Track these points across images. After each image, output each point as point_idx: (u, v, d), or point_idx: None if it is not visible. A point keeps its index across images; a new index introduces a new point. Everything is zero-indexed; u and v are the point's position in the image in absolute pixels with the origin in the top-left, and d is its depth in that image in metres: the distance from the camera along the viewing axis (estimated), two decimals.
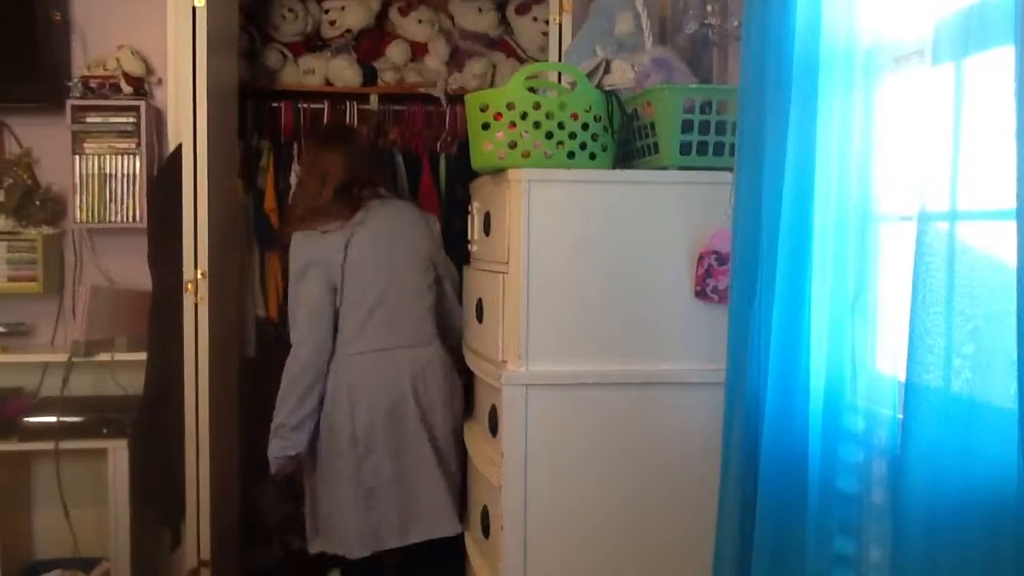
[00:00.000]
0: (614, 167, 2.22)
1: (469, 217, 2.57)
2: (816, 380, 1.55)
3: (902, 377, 1.35)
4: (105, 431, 2.96)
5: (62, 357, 3.05)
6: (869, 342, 1.50)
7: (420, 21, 3.77)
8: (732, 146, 2.05)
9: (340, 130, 3.18)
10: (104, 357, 3.06)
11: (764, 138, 1.68)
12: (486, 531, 2.26)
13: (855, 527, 1.50)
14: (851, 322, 1.52)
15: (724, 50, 2.46)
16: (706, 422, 2.02)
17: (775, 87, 1.65)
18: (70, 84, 3.15)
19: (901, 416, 1.36)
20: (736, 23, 2.28)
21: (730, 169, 1.91)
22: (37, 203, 3.16)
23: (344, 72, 3.68)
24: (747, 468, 1.70)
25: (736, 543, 1.73)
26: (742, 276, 1.77)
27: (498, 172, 2.19)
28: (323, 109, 3.71)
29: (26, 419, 2.95)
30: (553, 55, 3.12)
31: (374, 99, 3.75)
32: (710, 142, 2.10)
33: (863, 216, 1.51)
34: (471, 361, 2.47)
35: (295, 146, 3.65)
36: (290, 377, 2.65)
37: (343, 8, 3.72)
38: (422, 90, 3.71)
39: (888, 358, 1.48)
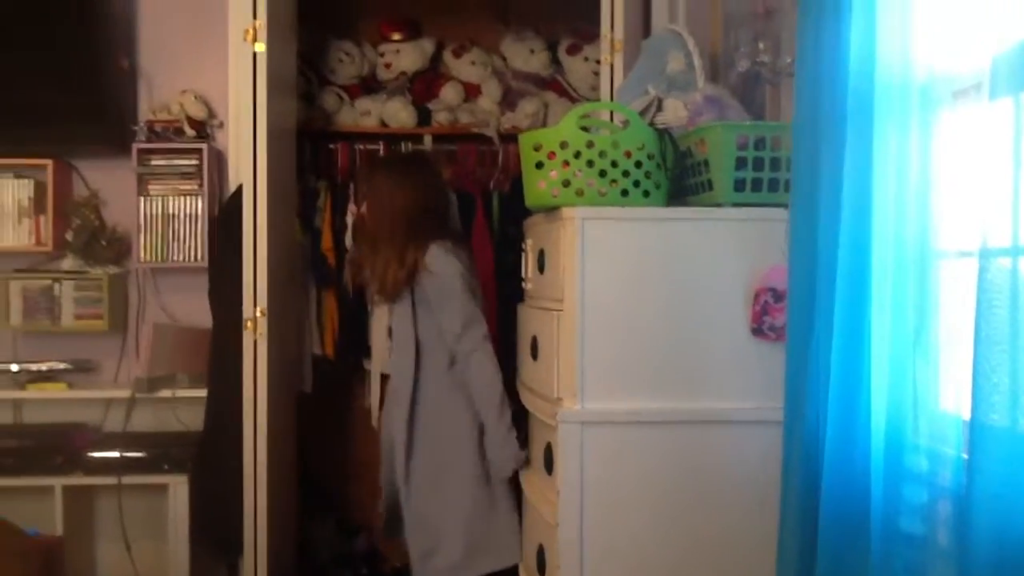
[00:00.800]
0: (668, 205, 2.23)
1: (523, 255, 2.58)
2: (877, 419, 1.52)
3: (966, 416, 1.33)
4: (166, 467, 3.02)
5: (125, 393, 3.12)
6: (931, 380, 1.47)
7: (473, 63, 3.84)
8: (787, 182, 2.04)
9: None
10: (166, 393, 3.13)
11: (819, 174, 1.67)
12: (541, 569, 2.25)
13: (920, 569, 1.47)
14: (912, 360, 1.49)
15: (776, 87, 2.45)
16: (764, 461, 1.99)
17: (829, 122, 1.65)
18: (136, 128, 3.26)
19: (966, 456, 1.33)
20: (788, 60, 2.28)
21: (785, 205, 1.90)
22: (103, 243, 3.25)
23: (399, 113, 3.75)
24: (806, 508, 1.67)
25: None
26: (799, 313, 1.76)
27: (552, 210, 2.21)
28: (379, 150, 3.78)
29: (90, 454, 3.01)
30: (604, 94, 3.15)
31: (428, 140, 3.81)
32: (764, 179, 2.09)
33: (923, 252, 1.49)
34: (525, 399, 2.47)
35: (351, 187, 3.73)
36: (499, 380, 2.63)
37: (398, 51, 3.81)
38: (475, 130, 3.77)
39: (951, 397, 1.46)
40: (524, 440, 2.61)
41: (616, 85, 3.03)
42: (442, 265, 2.64)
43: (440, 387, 2.69)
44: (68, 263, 3.24)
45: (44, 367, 3.22)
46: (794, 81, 1.86)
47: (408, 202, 2.74)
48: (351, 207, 3.67)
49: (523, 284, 2.59)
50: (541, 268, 2.34)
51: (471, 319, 2.63)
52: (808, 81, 1.74)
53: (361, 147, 3.80)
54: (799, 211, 1.77)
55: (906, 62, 1.52)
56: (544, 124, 3.72)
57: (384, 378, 3.87)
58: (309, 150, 3.75)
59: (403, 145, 3.79)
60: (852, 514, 1.54)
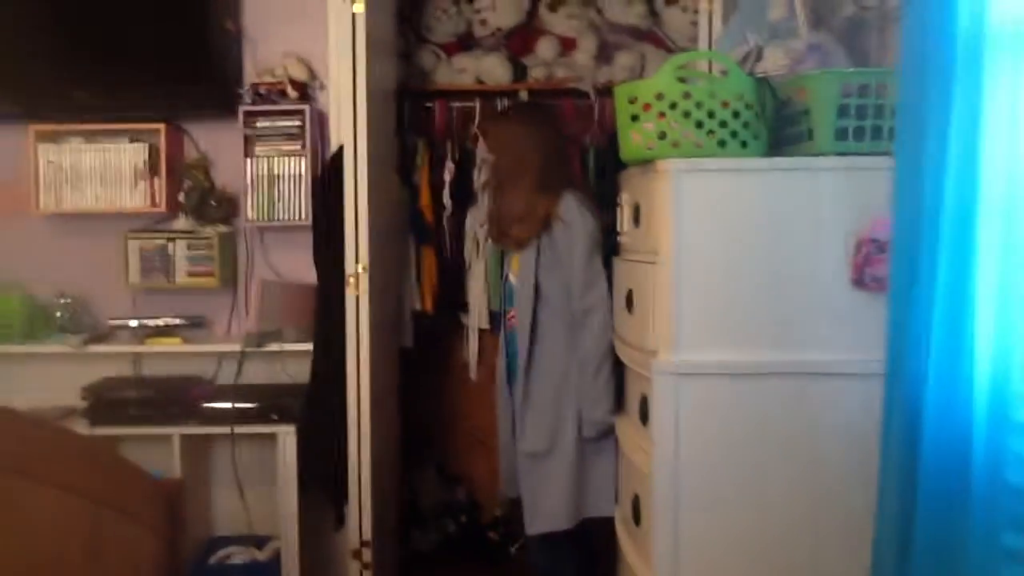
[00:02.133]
0: (767, 155, 2.19)
1: (618, 209, 2.58)
2: (981, 369, 1.49)
3: None
4: (275, 417, 3.14)
5: (236, 347, 3.25)
6: None
7: (569, 16, 3.82)
8: (891, 130, 1.99)
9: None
10: (274, 347, 3.25)
11: (926, 120, 1.62)
12: (637, 519, 2.28)
13: None
14: (1021, 309, 1.45)
15: (883, 32, 2.37)
16: (864, 414, 1.97)
17: (937, 66, 1.59)
18: (241, 91, 3.35)
19: None
20: (896, 3, 2.20)
21: (889, 154, 1.85)
22: (213, 204, 3.37)
23: (495, 70, 3.76)
24: (907, 461, 1.65)
25: (896, 538, 1.68)
26: (902, 263, 1.72)
27: (647, 163, 2.20)
28: (475, 107, 3.81)
29: (205, 404, 3.16)
30: (703, 44, 3.09)
31: (524, 95, 3.82)
32: (867, 127, 2.04)
33: None
34: (621, 351, 2.49)
35: (448, 144, 3.77)
36: (606, 344, 2.63)
37: (494, 7, 3.80)
38: (571, 85, 3.75)
39: None
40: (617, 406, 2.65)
41: (715, 35, 2.97)
42: (576, 216, 2.66)
43: (556, 339, 2.73)
44: (181, 223, 3.38)
45: (161, 322, 3.38)
46: (901, 25, 1.80)
47: (538, 150, 2.77)
48: (448, 164, 3.72)
49: (618, 238, 2.59)
50: (637, 221, 2.33)
51: (595, 276, 2.65)
52: (915, 24, 1.68)
53: (458, 105, 3.84)
54: (904, 159, 1.72)
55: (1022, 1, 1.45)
56: (641, 77, 3.68)
57: (482, 332, 3.94)
58: (408, 108, 3.80)
59: (499, 101, 3.81)
60: (954, 465, 1.51)
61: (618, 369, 2.63)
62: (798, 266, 2.06)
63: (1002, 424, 1.44)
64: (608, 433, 2.67)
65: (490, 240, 2.94)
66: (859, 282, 2.01)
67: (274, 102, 3.34)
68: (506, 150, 2.83)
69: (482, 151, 3.77)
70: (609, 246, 2.71)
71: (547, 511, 2.73)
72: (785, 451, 2.06)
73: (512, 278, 2.84)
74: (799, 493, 2.06)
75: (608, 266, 2.70)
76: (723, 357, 2.06)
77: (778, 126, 2.25)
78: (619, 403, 2.66)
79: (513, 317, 2.81)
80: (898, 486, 1.68)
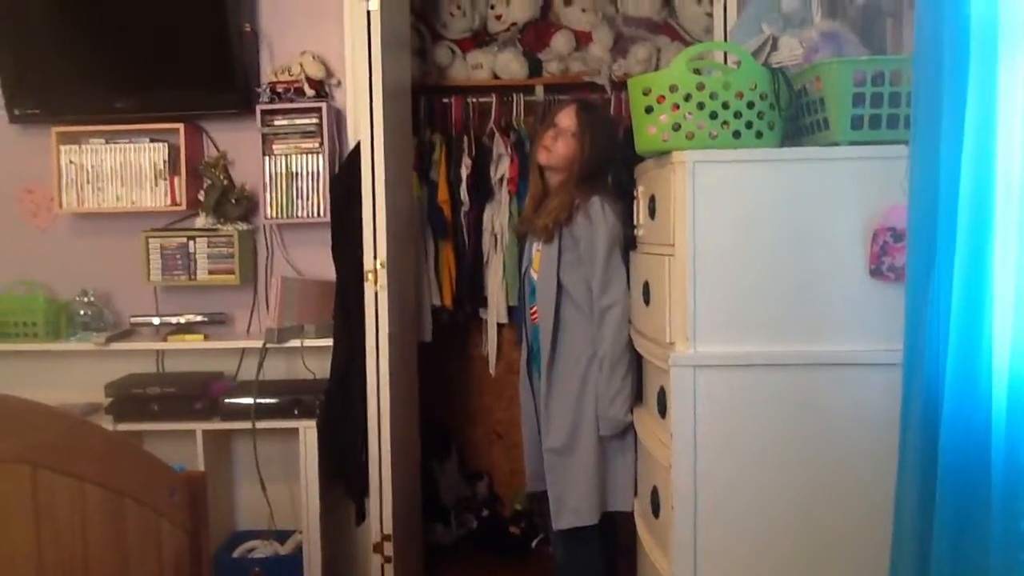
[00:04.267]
0: (783, 145, 2.18)
1: (634, 202, 2.58)
2: (1000, 356, 1.48)
3: None
4: (296, 412, 3.17)
5: (257, 343, 3.28)
6: None
7: (584, 10, 3.83)
8: (907, 118, 1.98)
9: None
10: (294, 343, 3.28)
11: (941, 107, 1.62)
12: (656, 511, 2.28)
13: None
14: None
15: (898, 18, 2.36)
16: (882, 404, 1.96)
17: (952, 54, 1.59)
18: (259, 90, 3.38)
19: None
20: None
21: (906, 142, 1.84)
22: (232, 202, 3.40)
23: (510, 65, 3.77)
24: (927, 449, 1.65)
25: (916, 525, 1.67)
26: (919, 252, 1.71)
27: (662, 155, 2.20)
28: (491, 103, 3.82)
29: (227, 400, 3.19)
30: (719, 36, 3.09)
31: (540, 90, 3.83)
32: (883, 115, 2.03)
33: None
34: (639, 344, 2.49)
35: (465, 139, 3.78)
36: (623, 342, 2.64)
37: (509, 3, 3.82)
38: (587, 79, 3.75)
39: None
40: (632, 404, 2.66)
41: (730, 26, 2.96)
42: (599, 214, 2.68)
43: (578, 335, 2.74)
44: (201, 221, 3.41)
45: (183, 320, 3.42)
46: (915, 12, 1.79)
47: (609, 148, 2.82)
48: (465, 159, 3.73)
49: (635, 231, 2.60)
50: (652, 214, 2.34)
51: (614, 275, 2.66)
52: (929, 12, 1.68)
53: (474, 100, 3.85)
54: (920, 146, 1.72)
55: None
56: (657, 70, 3.68)
57: (500, 327, 3.96)
58: (424, 104, 3.82)
59: (515, 96, 3.82)
60: (974, 453, 1.51)
61: (638, 367, 2.63)
62: (815, 256, 2.05)
63: (1021, 411, 1.44)
64: (628, 430, 2.67)
65: (515, 226, 2.94)
66: (877, 272, 2.00)
67: (291, 100, 3.36)
68: (594, 135, 2.80)
69: (498, 147, 3.78)
70: (627, 241, 2.71)
71: (573, 506, 2.74)
72: (803, 442, 2.06)
73: (533, 274, 2.85)
74: (817, 483, 2.06)
75: (628, 263, 2.70)
76: (740, 348, 2.06)
77: (795, 116, 2.25)
78: (639, 397, 2.67)
79: (535, 313, 2.82)
80: (918, 474, 1.68)
